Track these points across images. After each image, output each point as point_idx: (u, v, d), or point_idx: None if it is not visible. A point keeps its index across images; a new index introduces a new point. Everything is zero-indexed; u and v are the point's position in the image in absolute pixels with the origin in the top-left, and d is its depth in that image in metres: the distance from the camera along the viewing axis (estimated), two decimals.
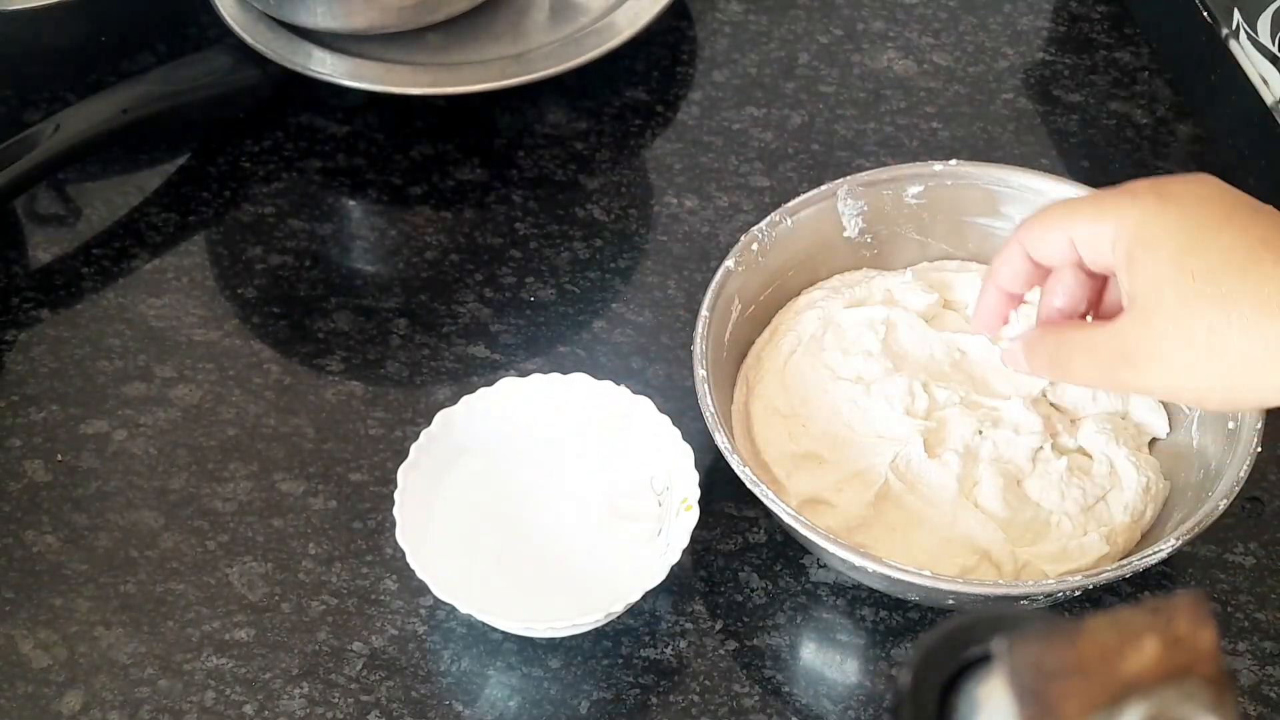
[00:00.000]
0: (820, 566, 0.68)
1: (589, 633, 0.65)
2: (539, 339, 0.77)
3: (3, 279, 0.79)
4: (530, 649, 0.65)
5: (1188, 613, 0.29)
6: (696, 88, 0.88)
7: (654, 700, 0.64)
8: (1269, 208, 0.53)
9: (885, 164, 0.81)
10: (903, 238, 0.74)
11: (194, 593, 0.67)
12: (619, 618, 0.65)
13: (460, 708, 0.64)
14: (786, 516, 0.61)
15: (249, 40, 0.84)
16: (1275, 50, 0.78)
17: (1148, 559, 0.60)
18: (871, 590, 0.67)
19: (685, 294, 0.78)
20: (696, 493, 0.64)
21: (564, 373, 0.69)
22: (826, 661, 0.66)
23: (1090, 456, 0.67)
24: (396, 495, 0.64)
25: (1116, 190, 0.55)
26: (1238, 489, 0.62)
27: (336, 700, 0.64)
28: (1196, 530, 0.61)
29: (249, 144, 0.85)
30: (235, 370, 0.75)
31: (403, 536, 0.63)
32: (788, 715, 0.64)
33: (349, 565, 0.68)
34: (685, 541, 0.63)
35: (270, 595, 0.67)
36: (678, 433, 0.66)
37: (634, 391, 0.68)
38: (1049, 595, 0.61)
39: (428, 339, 0.76)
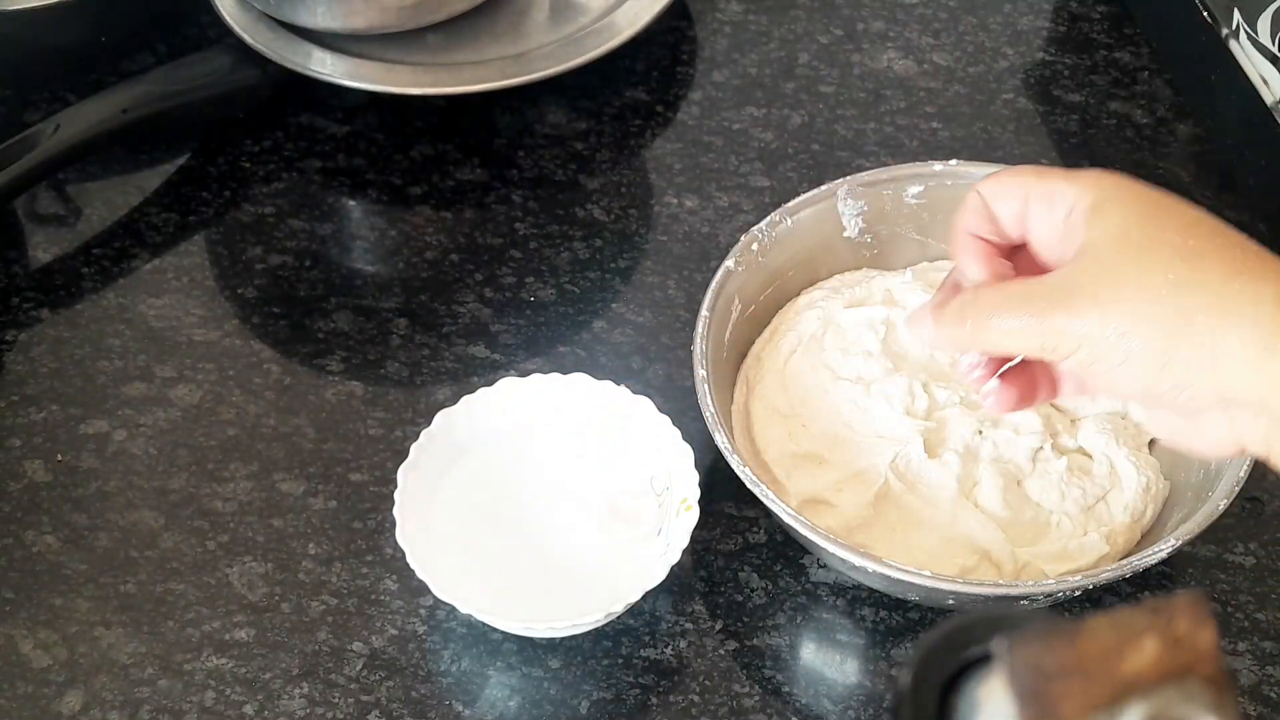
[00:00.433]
0: (820, 566, 0.68)
1: (589, 633, 0.65)
2: (539, 339, 0.77)
3: (3, 279, 0.79)
4: (530, 649, 0.65)
5: (1188, 613, 0.29)
6: (696, 88, 0.88)
7: (654, 700, 0.64)
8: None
9: (885, 164, 0.81)
10: (903, 238, 0.74)
11: (194, 593, 0.67)
12: (619, 618, 0.65)
13: (460, 708, 0.64)
14: (786, 516, 0.61)
15: (249, 40, 0.84)
16: (1275, 50, 0.78)
17: (1148, 559, 0.60)
18: (871, 590, 0.67)
19: (685, 294, 0.78)
20: (696, 493, 0.64)
21: (564, 373, 0.69)
22: (826, 661, 0.66)
23: (1090, 456, 0.67)
24: (396, 495, 0.64)
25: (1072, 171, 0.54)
26: (1238, 489, 0.62)
27: (336, 700, 0.64)
28: (1196, 530, 0.61)
29: (249, 144, 0.85)
30: (235, 370, 0.75)
31: (403, 536, 0.63)
32: (788, 715, 0.64)
33: (349, 565, 0.68)
34: (685, 541, 0.63)
35: (270, 595, 0.67)
36: (678, 433, 0.66)
37: (634, 391, 0.68)
38: (1049, 595, 0.62)
39: (428, 339, 0.76)
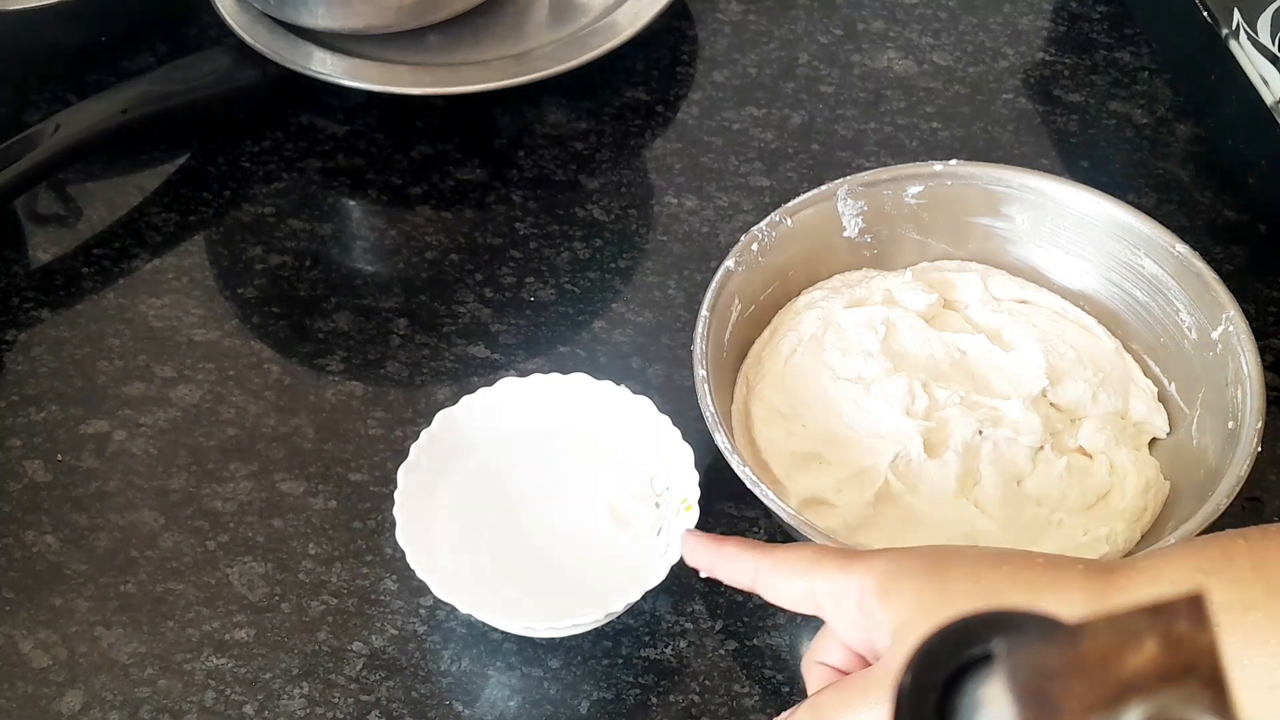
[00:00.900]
0: None
1: (589, 633, 0.65)
2: (539, 339, 0.77)
3: (3, 279, 0.79)
4: (530, 649, 0.65)
5: (1188, 613, 0.29)
6: (696, 88, 0.88)
7: (654, 700, 0.64)
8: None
9: (885, 164, 0.81)
10: (903, 238, 0.74)
11: (194, 593, 0.67)
12: (619, 618, 0.65)
13: (460, 708, 0.64)
14: (786, 516, 0.61)
15: (249, 40, 0.84)
16: (1275, 50, 0.78)
17: None
18: None
19: (685, 294, 0.78)
20: (696, 493, 0.64)
21: (564, 373, 0.69)
22: None
23: (1090, 456, 0.67)
24: (396, 495, 0.64)
25: (850, 553, 0.52)
26: (1238, 489, 0.62)
27: (336, 700, 0.64)
28: (1196, 530, 0.61)
29: (249, 144, 0.85)
30: (235, 370, 0.75)
31: (403, 536, 0.63)
32: None
33: (349, 565, 0.68)
34: None
35: (270, 595, 0.67)
36: (678, 433, 0.66)
37: (634, 391, 0.68)
38: None
39: (428, 339, 0.76)
